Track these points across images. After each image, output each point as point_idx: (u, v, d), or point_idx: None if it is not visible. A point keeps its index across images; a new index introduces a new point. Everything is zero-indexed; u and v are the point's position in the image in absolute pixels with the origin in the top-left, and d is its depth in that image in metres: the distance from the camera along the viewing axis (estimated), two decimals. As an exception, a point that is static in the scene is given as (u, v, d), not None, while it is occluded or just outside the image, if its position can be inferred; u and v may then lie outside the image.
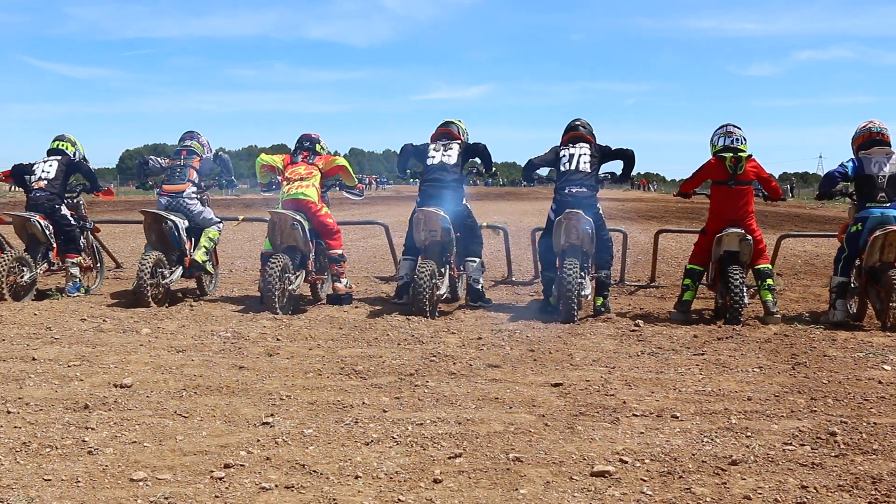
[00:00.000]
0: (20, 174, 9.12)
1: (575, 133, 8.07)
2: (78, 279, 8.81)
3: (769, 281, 7.59)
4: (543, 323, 7.32)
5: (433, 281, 7.52)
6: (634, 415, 4.59)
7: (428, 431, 4.24)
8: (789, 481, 3.60)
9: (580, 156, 7.83)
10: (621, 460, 3.83)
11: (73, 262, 8.77)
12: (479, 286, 8.22)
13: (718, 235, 7.46)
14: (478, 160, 8.51)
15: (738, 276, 7.25)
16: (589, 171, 7.80)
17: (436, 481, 3.56)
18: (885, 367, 5.76)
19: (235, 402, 4.73)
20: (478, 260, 8.22)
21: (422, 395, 4.92)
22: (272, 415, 4.49)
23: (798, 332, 7.04)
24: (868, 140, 7.49)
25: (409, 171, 9.01)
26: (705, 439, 4.17)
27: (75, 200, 9.11)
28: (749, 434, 4.25)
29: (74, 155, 9.08)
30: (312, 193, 8.16)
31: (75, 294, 8.65)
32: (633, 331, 7.05)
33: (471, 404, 4.75)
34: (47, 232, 8.53)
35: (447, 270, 7.99)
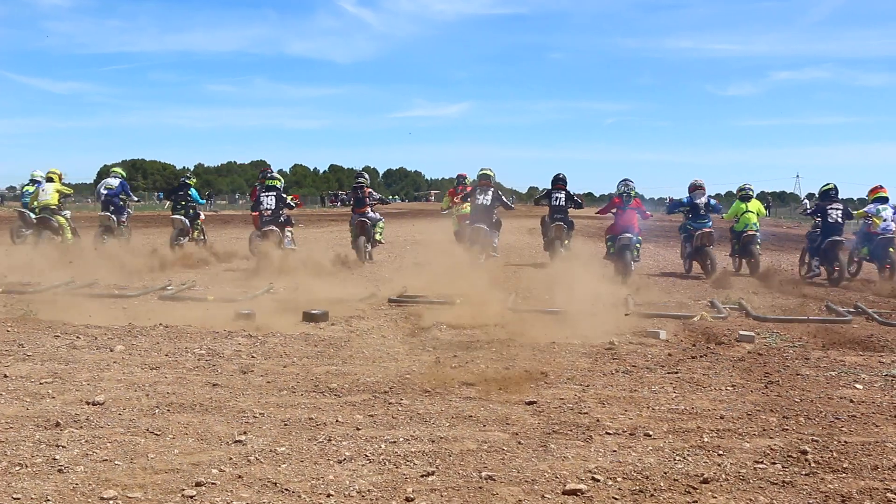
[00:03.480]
0: (257, 205, 15.26)
1: (558, 185, 15.56)
2: (291, 238, 15.38)
3: (637, 245, 13.80)
4: (519, 341, 7.35)
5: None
6: (607, 433, 4.61)
7: (401, 449, 4.24)
8: (760, 500, 3.63)
9: (561, 198, 15.43)
10: (593, 478, 3.85)
11: (290, 230, 15.41)
12: (496, 244, 15.48)
13: (619, 237, 13.44)
14: (500, 204, 15.38)
15: (627, 254, 13.26)
16: (564, 206, 15.44)
17: (408, 500, 3.56)
18: (857, 385, 5.84)
19: (208, 420, 4.71)
20: (497, 233, 15.54)
21: (395, 413, 4.92)
22: (245, 433, 4.46)
23: (771, 352, 7.11)
24: (693, 186, 14.82)
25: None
26: (677, 458, 4.19)
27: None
28: (721, 452, 4.29)
29: (281, 185, 15.37)
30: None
31: (291, 247, 15.07)
32: (608, 349, 7.09)
33: (444, 422, 4.75)
34: (279, 233, 14.71)
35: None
